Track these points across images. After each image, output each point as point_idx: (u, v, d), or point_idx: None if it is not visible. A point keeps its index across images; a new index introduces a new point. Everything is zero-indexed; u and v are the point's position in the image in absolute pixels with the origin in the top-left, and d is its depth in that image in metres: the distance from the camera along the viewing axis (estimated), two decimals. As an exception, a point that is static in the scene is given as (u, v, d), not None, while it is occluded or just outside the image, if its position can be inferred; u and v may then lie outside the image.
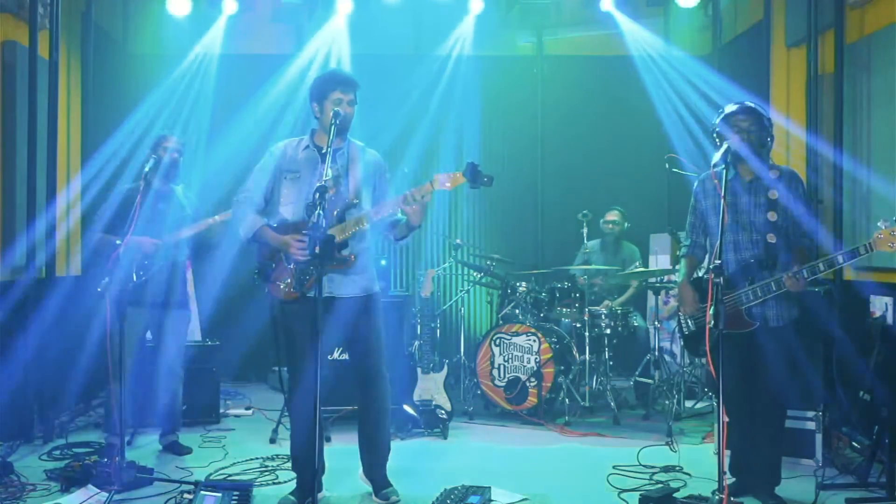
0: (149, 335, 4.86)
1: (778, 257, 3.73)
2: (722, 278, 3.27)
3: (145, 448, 4.88)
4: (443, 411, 5.34)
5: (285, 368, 3.88)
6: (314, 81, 3.88)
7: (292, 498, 3.79)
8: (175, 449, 4.82)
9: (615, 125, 7.48)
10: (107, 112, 6.31)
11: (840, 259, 3.50)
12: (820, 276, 3.60)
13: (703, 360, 5.83)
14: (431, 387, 5.42)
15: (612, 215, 6.65)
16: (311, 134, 3.91)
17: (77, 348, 5.11)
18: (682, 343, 4.23)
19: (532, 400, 5.66)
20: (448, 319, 7.15)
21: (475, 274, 6.67)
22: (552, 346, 5.67)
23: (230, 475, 4.34)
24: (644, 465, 4.50)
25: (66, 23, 5.55)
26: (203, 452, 4.83)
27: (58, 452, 4.72)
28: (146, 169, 4.40)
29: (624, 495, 4.01)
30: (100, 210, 4.77)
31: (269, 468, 4.46)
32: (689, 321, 4.01)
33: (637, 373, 6.25)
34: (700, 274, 4.11)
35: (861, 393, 4.31)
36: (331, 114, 3.68)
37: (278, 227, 3.78)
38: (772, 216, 3.74)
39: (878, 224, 3.38)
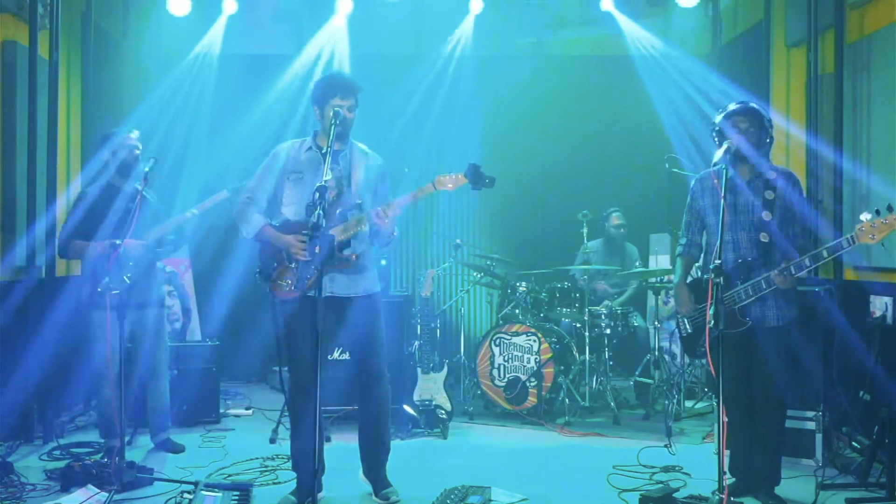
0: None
1: (772, 256, 3.74)
2: (722, 278, 3.28)
3: (145, 448, 4.88)
4: (443, 411, 5.34)
5: (286, 368, 3.88)
6: (315, 85, 3.90)
7: (292, 498, 3.80)
8: (168, 446, 4.82)
9: (615, 125, 7.47)
10: (107, 112, 6.30)
11: (824, 253, 3.50)
12: (812, 271, 3.60)
13: (702, 361, 5.84)
14: (431, 387, 5.42)
15: (618, 218, 6.67)
16: (313, 135, 3.93)
17: (77, 348, 5.11)
18: (680, 344, 4.23)
19: (532, 400, 5.66)
20: (448, 319, 7.14)
21: (475, 274, 6.67)
22: (552, 346, 5.67)
23: (230, 475, 4.34)
24: (644, 465, 4.50)
25: (66, 23, 5.54)
26: (203, 452, 4.83)
27: (58, 452, 4.72)
28: (146, 169, 4.39)
29: (624, 495, 4.02)
30: (67, 216, 4.69)
31: (269, 468, 4.46)
32: (685, 322, 4.01)
33: (637, 373, 6.25)
34: (698, 273, 4.11)
35: (861, 393, 4.31)
36: (331, 116, 3.69)
37: (281, 227, 3.80)
38: (767, 216, 3.75)
39: (861, 217, 3.39)
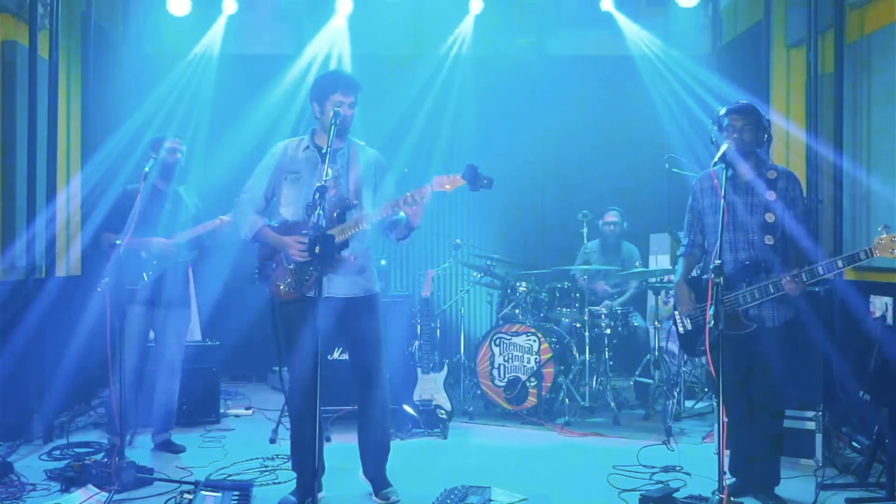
0: (150, 334, 4.87)
1: (775, 259, 3.74)
2: (722, 278, 3.28)
3: (145, 448, 4.88)
4: (443, 411, 5.34)
5: (285, 368, 3.87)
6: (315, 81, 3.88)
7: (292, 498, 3.79)
8: (169, 447, 4.83)
9: (615, 125, 7.47)
10: (107, 112, 6.30)
11: (839, 263, 3.50)
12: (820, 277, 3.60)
13: (699, 360, 5.84)
14: (431, 387, 5.42)
15: (612, 216, 6.65)
16: (311, 134, 3.91)
17: (77, 348, 5.11)
18: (678, 341, 4.23)
19: (532, 400, 5.66)
20: (448, 319, 7.15)
21: (475, 274, 6.67)
22: (552, 346, 5.67)
23: (230, 475, 4.34)
24: (644, 465, 4.50)
25: (66, 23, 5.54)
26: (203, 452, 4.83)
27: (58, 452, 4.72)
28: (146, 169, 4.41)
29: (624, 495, 4.02)
30: (99, 210, 4.79)
31: (269, 468, 4.46)
32: (685, 320, 4.01)
33: (637, 373, 6.25)
34: (698, 273, 4.11)
35: (861, 393, 4.31)
36: (331, 114, 3.68)
37: (279, 228, 3.79)
38: (769, 217, 3.74)
39: (879, 230, 3.38)
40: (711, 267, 3.30)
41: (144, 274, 4.58)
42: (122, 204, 4.64)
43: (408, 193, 3.65)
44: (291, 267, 3.73)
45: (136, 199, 4.38)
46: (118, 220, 4.51)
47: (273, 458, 4.63)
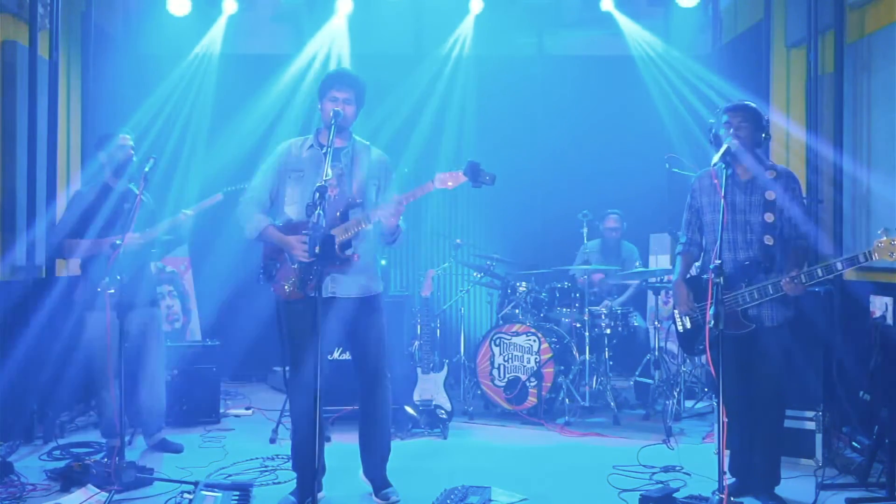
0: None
1: (774, 259, 3.74)
2: (722, 278, 3.28)
3: (145, 448, 4.87)
4: (443, 411, 5.34)
5: (289, 368, 3.87)
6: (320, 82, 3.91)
7: (292, 498, 3.79)
8: (165, 447, 4.81)
9: (615, 125, 7.47)
10: (107, 112, 6.31)
11: (839, 265, 3.51)
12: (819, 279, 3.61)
13: (698, 359, 5.84)
14: (431, 387, 5.42)
15: (612, 221, 6.65)
16: (315, 133, 3.92)
17: (76, 348, 5.11)
18: (677, 340, 4.23)
19: (532, 400, 5.66)
20: (448, 319, 7.14)
21: (475, 274, 6.67)
22: (552, 346, 5.67)
23: (230, 475, 4.34)
24: (644, 465, 4.50)
25: (66, 23, 5.55)
26: (203, 452, 4.83)
27: (58, 452, 4.72)
28: (146, 169, 4.38)
29: (624, 495, 4.02)
30: (62, 216, 4.68)
31: (269, 468, 4.46)
32: (684, 319, 4.01)
33: (637, 373, 6.25)
34: (697, 272, 4.11)
35: (861, 393, 4.31)
36: (330, 113, 3.70)
37: (283, 227, 3.79)
38: (769, 217, 3.74)
39: (879, 232, 3.38)
40: (712, 267, 3.30)
41: (118, 276, 4.45)
42: (82, 208, 4.52)
43: (410, 191, 3.67)
44: (295, 267, 3.73)
45: (95, 201, 4.37)
46: (80, 226, 4.45)
47: (273, 458, 4.63)
